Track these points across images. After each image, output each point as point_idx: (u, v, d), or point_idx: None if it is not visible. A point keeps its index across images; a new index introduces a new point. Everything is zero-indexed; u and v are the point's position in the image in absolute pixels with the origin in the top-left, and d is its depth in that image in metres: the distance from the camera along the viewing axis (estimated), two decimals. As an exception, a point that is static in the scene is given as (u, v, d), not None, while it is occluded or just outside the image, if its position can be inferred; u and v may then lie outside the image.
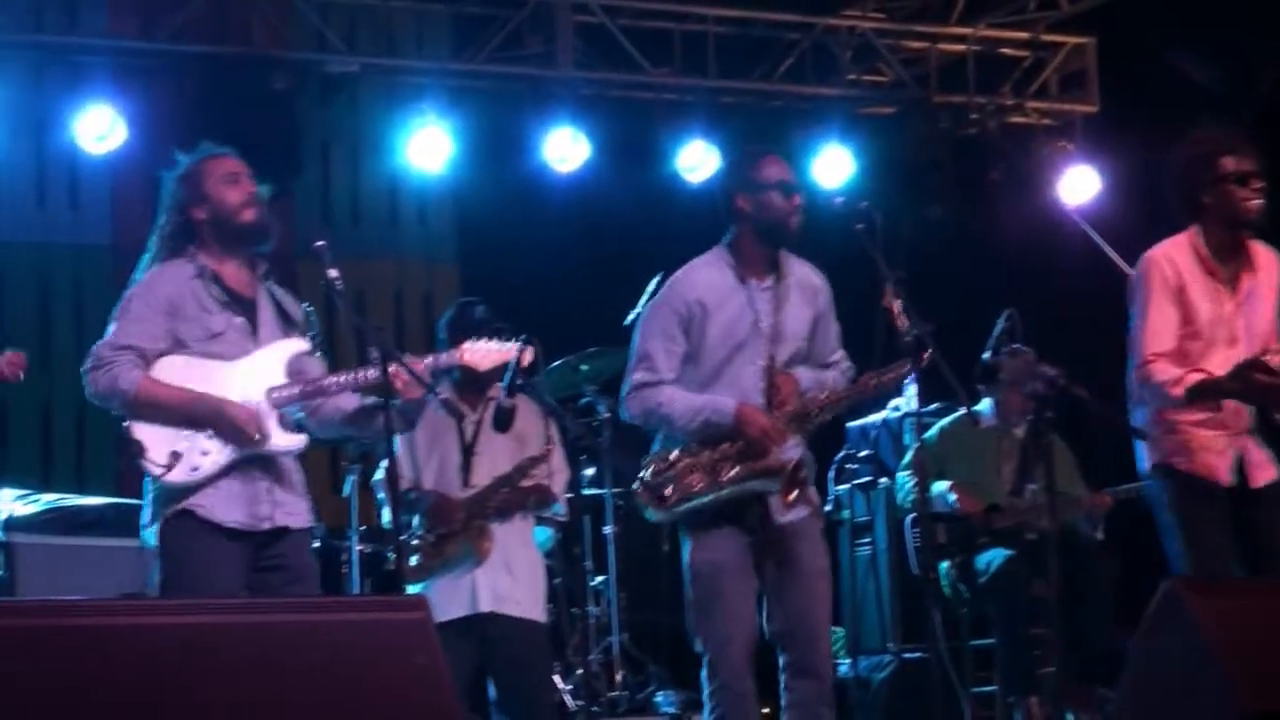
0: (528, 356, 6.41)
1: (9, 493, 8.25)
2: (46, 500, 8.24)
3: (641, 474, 6.52)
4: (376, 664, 4.59)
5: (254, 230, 6.10)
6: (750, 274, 6.48)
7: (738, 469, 6.38)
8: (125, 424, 5.95)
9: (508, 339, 6.39)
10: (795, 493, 6.35)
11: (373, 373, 5.94)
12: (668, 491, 6.46)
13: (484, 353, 6.22)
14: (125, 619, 4.66)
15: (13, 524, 8.06)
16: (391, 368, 5.90)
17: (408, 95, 10.64)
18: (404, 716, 4.53)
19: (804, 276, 6.58)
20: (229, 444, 5.91)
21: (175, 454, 5.86)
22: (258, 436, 5.90)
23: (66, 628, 4.48)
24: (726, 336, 6.43)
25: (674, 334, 6.49)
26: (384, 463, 7.18)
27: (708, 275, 6.51)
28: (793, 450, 6.38)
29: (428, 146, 10.44)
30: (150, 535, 5.97)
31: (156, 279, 6.07)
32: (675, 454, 6.45)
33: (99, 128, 9.75)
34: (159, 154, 10.05)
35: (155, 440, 5.89)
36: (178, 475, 5.87)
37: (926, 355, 6.21)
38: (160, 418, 5.90)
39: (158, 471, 5.87)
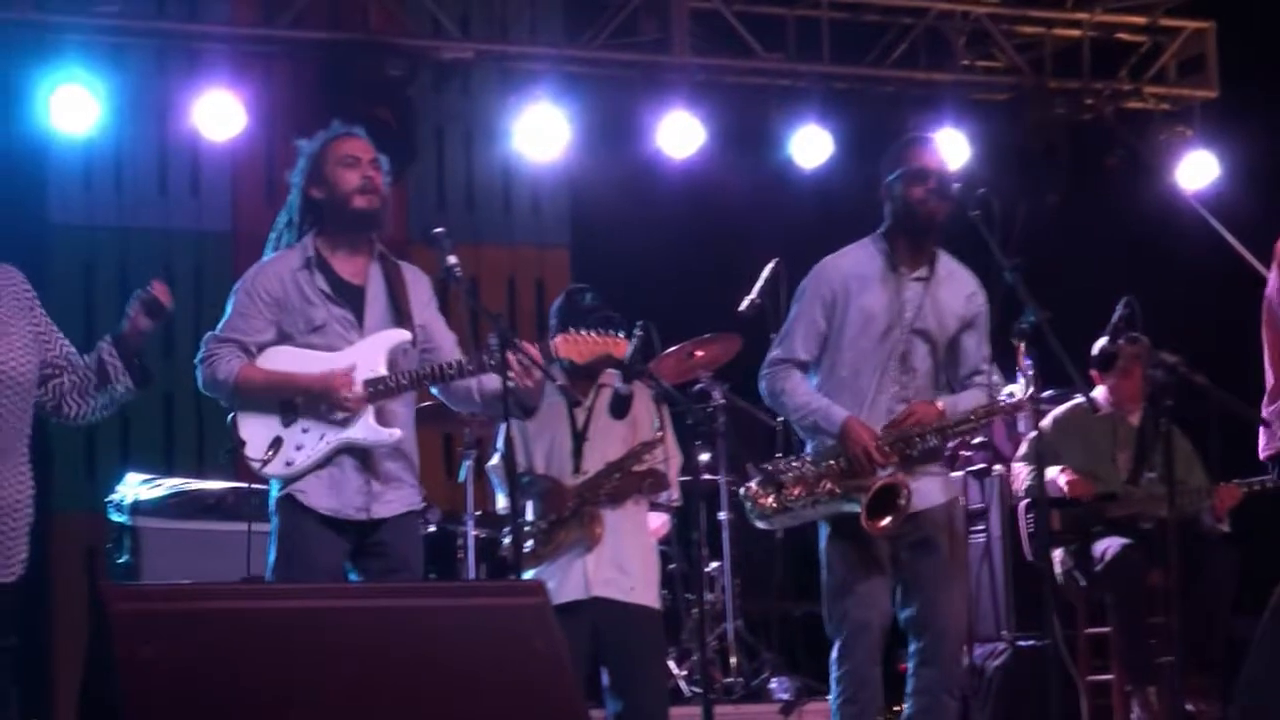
0: (622, 349, 6.38)
1: (134, 477, 8.35)
2: (169, 485, 8.33)
3: (751, 479, 6.59)
4: (496, 649, 4.61)
5: (363, 217, 6.14)
6: (901, 263, 6.47)
7: (833, 485, 6.42)
8: (230, 418, 6.07)
9: (618, 327, 6.42)
10: (886, 520, 6.35)
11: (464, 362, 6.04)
12: (769, 500, 6.53)
13: (580, 344, 6.23)
14: (249, 603, 4.71)
15: (138, 508, 8.16)
16: (510, 353, 5.95)
17: (521, 81, 10.69)
18: (524, 702, 4.55)
19: (959, 277, 6.57)
20: (325, 434, 6.01)
21: (273, 448, 6.01)
22: (349, 401, 5.96)
23: (194, 611, 4.53)
24: (868, 322, 6.45)
25: (815, 316, 6.53)
26: (499, 448, 7.24)
27: (857, 260, 6.53)
28: (888, 473, 6.38)
29: (541, 132, 10.48)
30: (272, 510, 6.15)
31: (262, 271, 6.17)
32: (787, 463, 6.51)
33: (219, 114, 9.87)
34: (278, 140, 10.31)
35: (255, 435, 6.05)
36: (274, 468, 6.04)
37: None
38: (261, 402, 6.04)
39: (256, 465, 6.05)
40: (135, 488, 8.25)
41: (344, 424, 6.03)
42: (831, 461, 6.44)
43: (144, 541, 8.09)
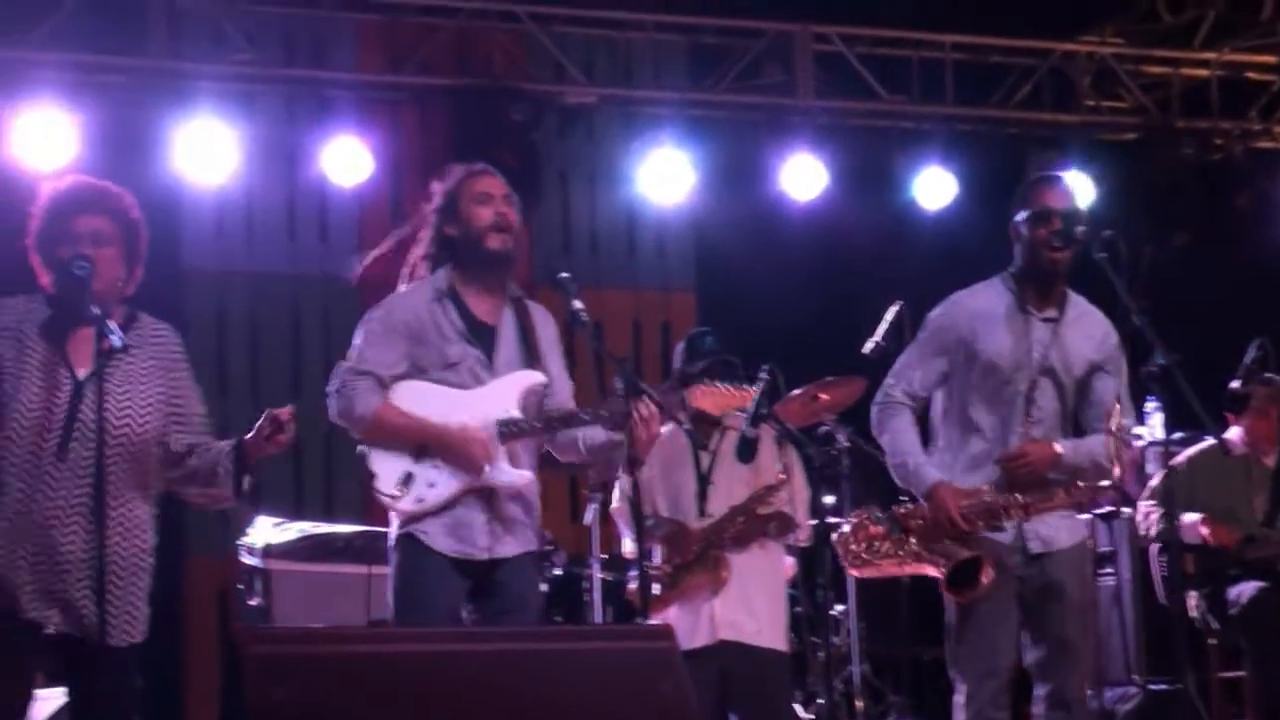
0: (749, 398, 6.38)
1: (265, 520, 8.42)
2: (299, 528, 8.40)
3: (842, 529, 6.59)
4: (623, 693, 4.61)
5: (495, 257, 6.13)
6: (1030, 303, 6.43)
7: (917, 544, 6.39)
8: (360, 451, 6.08)
9: (737, 378, 6.43)
10: (966, 591, 6.30)
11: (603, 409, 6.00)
12: (859, 548, 6.54)
13: (715, 396, 6.23)
14: (378, 646, 4.74)
15: (269, 551, 8.23)
16: (635, 400, 5.95)
17: (645, 125, 10.75)
18: (653, 745, 4.56)
19: (1091, 319, 6.50)
20: (456, 473, 6.00)
21: (404, 484, 6.00)
22: (486, 467, 5.98)
23: (325, 655, 4.57)
24: (993, 362, 6.39)
25: (931, 355, 6.51)
26: (619, 490, 7.26)
27: (985, 299, 6.49)
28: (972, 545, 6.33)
29: (665, 176, 10.54)
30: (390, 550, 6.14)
31: (398, 303, 6.19)
32: (876, 515, 6.50)
33: (347, 160, 9.99)
34: (404, 186, 10.41)
35: (387, 470, 6.03)
36: (405, 504, 6.01)
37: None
38: (393, 444, 6.03)
39: (386, 500, 6.03)
40: (266, 531, 8.32)
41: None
42: (920, 520, 6.43)
43: (275, 584, 8.15)
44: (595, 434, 6.16)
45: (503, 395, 6.07)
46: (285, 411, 5.59)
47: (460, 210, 6.16)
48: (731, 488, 7.31)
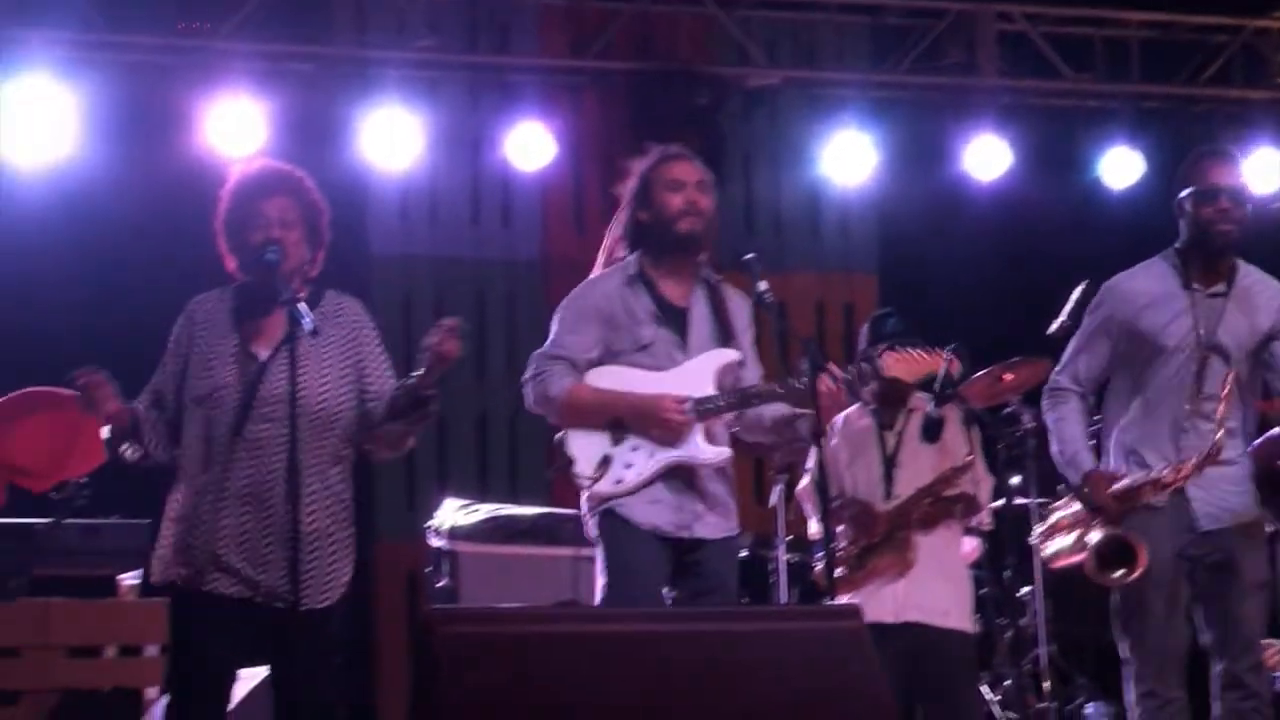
0: (955, 367, 6.40)
1: (452, 503, 8.50)
2: (486, 510, 8.47)
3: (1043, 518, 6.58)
4: (813, 673, 4.62)
5: (685, 240, 6.16)
6: (1195, 280, 6.35)
7: (1100, 524, 6.36)
8: (559, 436, 6.12)
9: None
10: (1118, 573, 6.24)
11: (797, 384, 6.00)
12: (1051, 538, 6.55)
13: (909, 362, 6.22)
14: (569, 627, 4.78)
15: (455, 533, 8.31)
16: (821, 379, 5.95)
17: (828, 107, 10.74)
18: (841, 725, 4.56)
19: (1262, 287, 6.42)
20: (655, 453, 6.03)
21: (602, 466, 6.03)
22: (684, 440, 6.00)
23: (516, 635, 4.61)
24: (1159, 342, 6.33)
25: (1095, 341, 6.47)
26: (808, 472, 7.25)
27: (1146, 280, 6.42)
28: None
29: (849, 157, 10.52)
30: (590, 527, 6.17)
31: (590, 288, 6.22)
32: (1061, 503, 6.49)
33: (530, 145, 10.06)
34: (586, 169, 10.46)
35: (585, 453, 6.08)
36: (604, 486, 6.04)
37: None
38: (590, 421, 6.06)
39: (585, 483, 6.06)
40: (453, 513, 8.41)
41: (674, 443, 6.05)
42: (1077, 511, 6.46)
43: (461, 566, 8.23)
44: (779, 409, 6.19)
45: (698, 374, 6.10)
46: (450, 322, 5.69)
47: (652, 195, 6.18)
48: (917, 469, 7.28)
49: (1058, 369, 6.58)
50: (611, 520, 6.06)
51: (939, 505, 7.24)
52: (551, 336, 6.20)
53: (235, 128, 9.41)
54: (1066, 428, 6.46)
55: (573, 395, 6.07)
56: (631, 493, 6.04)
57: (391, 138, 9.79)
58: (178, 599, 5.73)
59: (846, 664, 4.67)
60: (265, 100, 9.52)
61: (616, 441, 6.07)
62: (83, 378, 5.68)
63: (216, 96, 9.44)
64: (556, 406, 6.10)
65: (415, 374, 5.73)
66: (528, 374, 6.18)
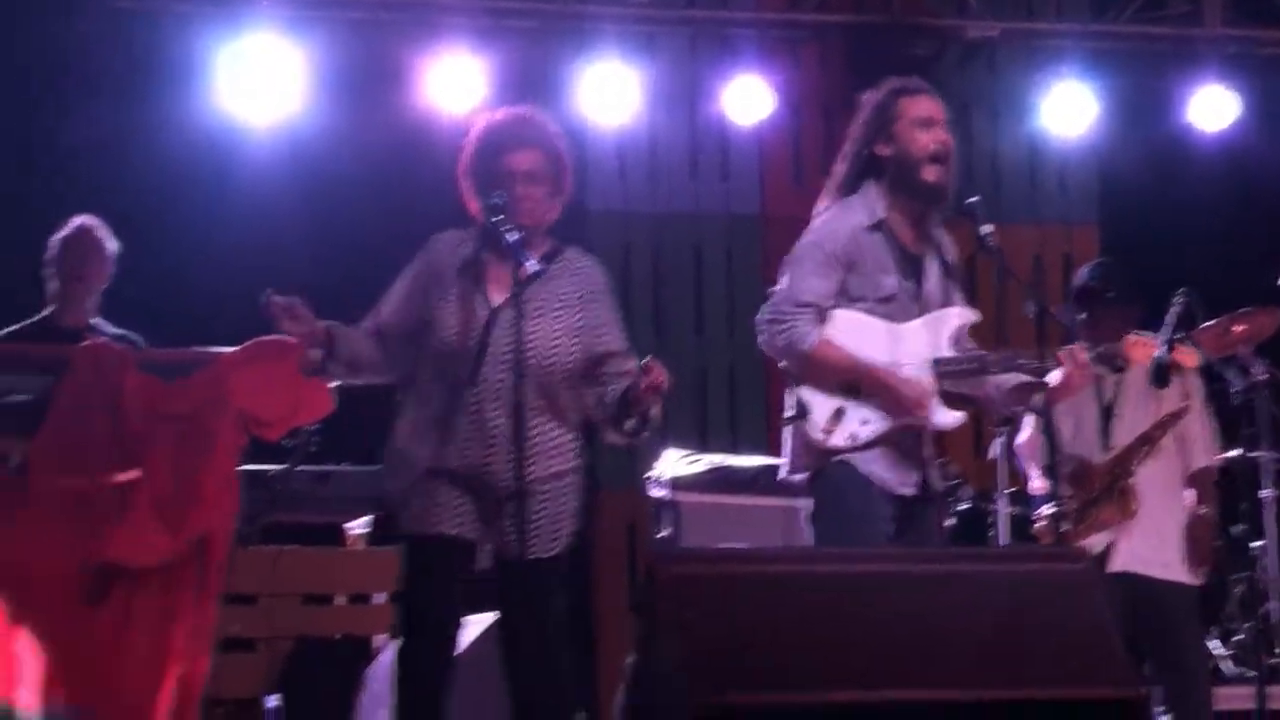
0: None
1: (673, 453, 8.53)
2: (707, 460, 8.50)
3: None
4: (1042, 615, 4.60)
5: (931, 189, 5.95)
6: None
7: None
8: (793, 385, 6.02)
9: (1135, 302, 6.48)
10: None
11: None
12: None
13: (1146, 348, 6.15)
14: (790, 567, 4.80)
15: (677, 484, 8.35)
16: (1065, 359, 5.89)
17: (1047, 58, 10.63)
18: (1071, 667, 4.52)
19: None
20: (891, 415, 5.92)
21: (835, 419, 5.91)
22: (922, 415, 5.92)
23: (738, 575, 4.65)
24: None
25: None
26: (1025, 426, 7.20)
27: None
28: None
29: (1068, 109, 10.40)
30: (802, 476, 6.05)
31: (832, 229, 5.98)
32: None
33: (748, 99, 10.06)
34: (805, 123, 10.44)
35: (820, 405, 5.93)
36: (836, 440, 5.91)
37: None
38: (828, 380, 5.91)
39: (819, 436, 5.92)
40: (674, 463, 8.45)
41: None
42: None
43: (683, 515, 8.26)
44: (1009, 377, 6.05)
45: (934, 332, 5.97)
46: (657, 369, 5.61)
47: (897, 131, 5.96)
48: (1136, 418, 7.19)
49: None
50: (840, 471, 5.92)
51: (1158, 454, 7.16)
52: (794, 279, 5.94)
53: (456, 84, 9.50)
54: None
55: (821, 352, 5.87)
56: (863, 449, 5.92)
57: (610, 93, 9.83)
58: (406, 543, 5.81)
59: (1075, 607, 4.64)
60: (485, 56, 9.60)
61: (852, 395, 5.91)
62: (274, 302, 5.74)
63: (438, 53, 9.55)
64: (802, 360, 5.91)
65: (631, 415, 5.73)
66: (768, 316, 5.95)
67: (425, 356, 5.79)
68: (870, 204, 5.99)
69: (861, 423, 5.91)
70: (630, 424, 5.75)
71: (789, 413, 6.04)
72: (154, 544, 5.59)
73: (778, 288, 6.01)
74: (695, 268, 10.51)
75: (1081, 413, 7.20)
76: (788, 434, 6.10)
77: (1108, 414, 7.22)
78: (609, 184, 10.44)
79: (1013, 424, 8.10)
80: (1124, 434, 7.18)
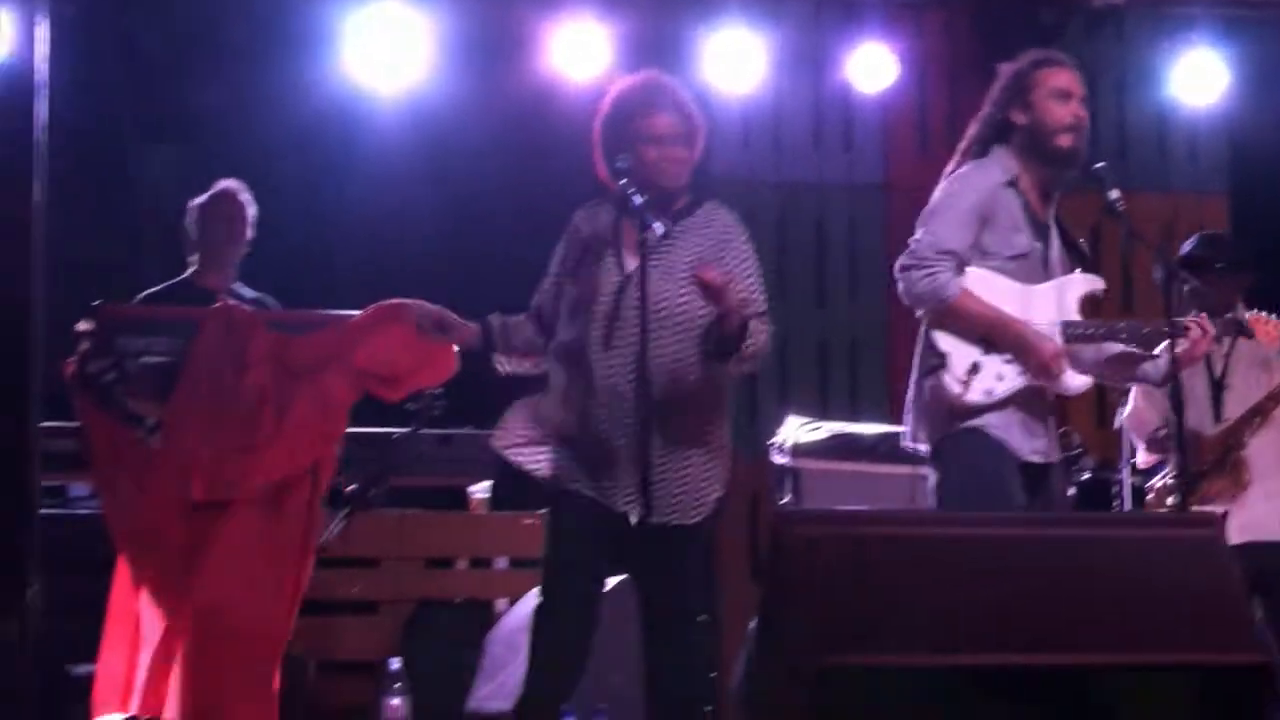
0: None
1: (794, 420, 8.55)
2: (829, 428, 8.50)
3: None
4: (1170, 579, 4.58)
5: (1066, 157, 6.00)
6: None
7: None
8: (930, 334, 6.01)
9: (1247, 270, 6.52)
10: None
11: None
12: None
13: (1274, 331, 6.10)
14: (918, 529, 4.80)
15: (798, 450, 8.36)
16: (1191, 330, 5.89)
17: (1176, 26, 10.48)
18: (1200, 632, 4.50)
19: None
20: (1027, 372, 5.92)
21: (971, 373, 5.91)
22: (1058, 374, 5.90)
23: (863, 535, 4.64)
24: None
25: None
26: (1131, 399, 7.17)
27: None
28: None
29: (1198, 78, 10.28)
30: (921, 446, 6.07)
31: (970, 182, 6.02)
32: None
33: (872, 67, 10.01)
34: (929, 92, 10.38)
35: (957, 356, 5.95)
36: (973, 395, 5.92)
37: None
38: (965, 331, 5.93)
39: (955, 389, 5.92)
40: (796, 431, 8.45)
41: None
42: None
43: (805, 483, 8.27)
44: (1109, 346, 6.10)
45: (1063, 296, 5.99)
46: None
47: (1034, 100, 6.02)
48: (1247, 389, 7.15)
49: None
50: (970, 438, 5.92)
51: (1271, 424, 7.11)
52: (934, 227, 5.98)
53: (580, 52, 9.50)
54: None
55: (962, 302, 5.89)
56: (995, 406, 5.92)
57: (734, 60, 9.80)
58: (550, 506, 5.84)
59: (1203, 572, 4.61)
60: (610, 23, 9.58)
61: (987, 350, 5.94)
62: (421, 319, 5.96)
63: (562, 20, 9.55)
64: (944, 307, 5.92)
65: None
66: (909, 262, 5.97)
67: (566, 324, 5.83)
68: (1005, 163, 6.02)
69: (997, 378, 5.91)
70: (712, 345, 5.73)
71: (924, 366, 6.03)
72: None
73: (916, 238, 6.02)
74: (818, 238, 10.48)
75: (1192, 385, 7.15)
76: (911, 401, 6.11)
77: (1218, 386, 7.20)
78: (733, 153, 10.41)
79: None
80: (1235, 405, 7.15)
